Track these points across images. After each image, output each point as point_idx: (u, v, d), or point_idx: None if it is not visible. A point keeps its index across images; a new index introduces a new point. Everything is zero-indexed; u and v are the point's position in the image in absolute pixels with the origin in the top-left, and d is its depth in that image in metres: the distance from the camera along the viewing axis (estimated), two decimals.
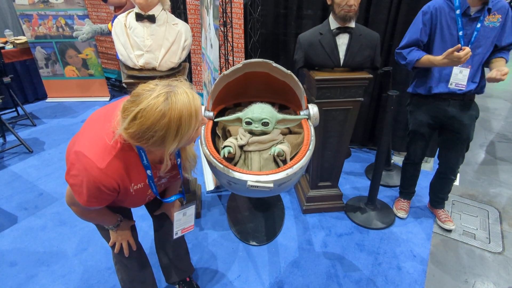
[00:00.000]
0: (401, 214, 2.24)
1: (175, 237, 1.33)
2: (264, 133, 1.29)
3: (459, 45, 1.55)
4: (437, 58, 1.65)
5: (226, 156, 1.19)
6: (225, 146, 1.23)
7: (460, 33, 1.66)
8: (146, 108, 0.80)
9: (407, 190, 2.27)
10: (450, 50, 1.56)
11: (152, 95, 0.82)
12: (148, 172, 1.02)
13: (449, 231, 2.11)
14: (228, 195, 2.44)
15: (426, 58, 1.71)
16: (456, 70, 1.70)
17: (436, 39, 1.72)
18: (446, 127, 1.89)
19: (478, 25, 1.64)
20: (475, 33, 1.64)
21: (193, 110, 0.85)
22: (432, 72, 1.77)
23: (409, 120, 2.00)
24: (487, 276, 1.80)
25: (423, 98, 1.86)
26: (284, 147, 1.25)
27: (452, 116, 1.82)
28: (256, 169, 1.25)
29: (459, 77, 1.70)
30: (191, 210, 1.35)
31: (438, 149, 2.04)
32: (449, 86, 1.72)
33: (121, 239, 1.23)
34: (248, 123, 1.27)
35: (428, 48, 1.77)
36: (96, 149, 0.91)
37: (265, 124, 1.26)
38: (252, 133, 1.30)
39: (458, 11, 1.63)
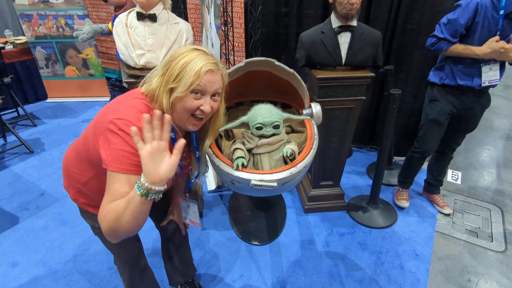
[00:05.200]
0: (403, 203, 2.26)
1: (184, 221, 1.41)
2: (274, 135, 1.27)
3: (497, 37, 1.57)
4: (480, 48, 1.65)
5: (240, 169, 1.15)
6: (238, 158, 1.19)
7: (498, 33, 1.64)
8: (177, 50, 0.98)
9: (408, 180, 2.30)
10: (492, 39, 1.59)
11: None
12: (172, 134, 1.02)
13: (448, 215, 2.24)
14: (229, 194, 2.43)
15: (466, 47, 1.69)
16: (485, 68, 1.71)
17: (474, 36, 1.69)
18: (459, 116, 1.93)
19: None
20: (511, 35, 1.63)
21: (203, 66, 0.93)
22: (460, 68, 1.77)
23: (426, 110, 1.98)
24: (490, 275, 1.79)
25: (450, 88, 1.86)
26: (293, 147, 1.23)
27: (468, 107, 1.88)
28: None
29: (490, 74, 1.73)
30: (193, 207, 1.36)
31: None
32: (482, 84, 1.75)
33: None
34: (259, 128, 1.24)
35: (461, 42, 1.74)
36: (131, 113, 0.90)
37: (276, 126, 1.25)
38: (261, 136, 1.27)
39: (502, 12, 1.60)
